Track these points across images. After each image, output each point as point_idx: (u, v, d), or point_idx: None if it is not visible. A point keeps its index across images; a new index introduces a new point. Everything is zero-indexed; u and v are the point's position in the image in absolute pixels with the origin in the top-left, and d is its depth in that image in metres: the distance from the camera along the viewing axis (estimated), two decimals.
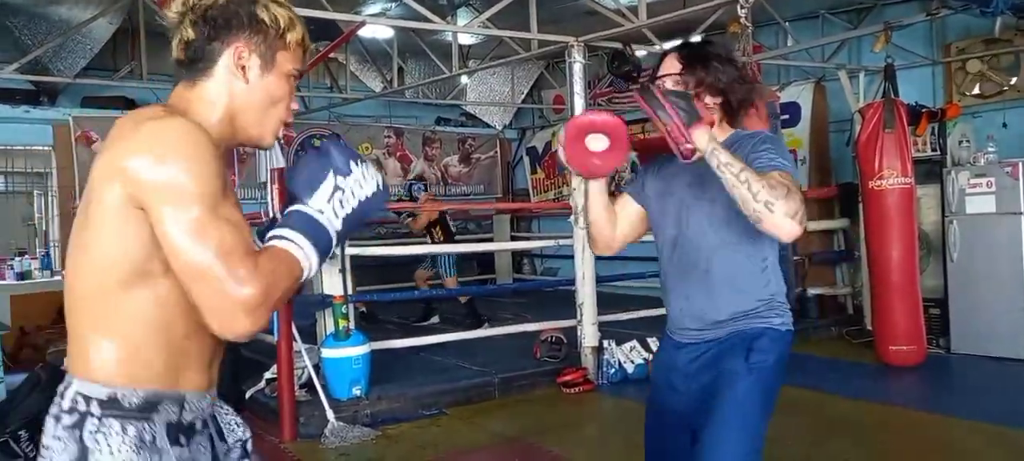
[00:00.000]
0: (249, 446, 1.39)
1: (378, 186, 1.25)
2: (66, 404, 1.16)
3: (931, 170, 6.21)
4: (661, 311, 7.36)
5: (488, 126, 11.27)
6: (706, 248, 1.90)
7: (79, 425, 1.14)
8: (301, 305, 4.82)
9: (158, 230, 1.10)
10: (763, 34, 7.94)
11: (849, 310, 7.19)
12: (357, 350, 4.61)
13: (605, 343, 5.44)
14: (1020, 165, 5.53)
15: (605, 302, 5.83)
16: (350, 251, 5.06)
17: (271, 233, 1.17)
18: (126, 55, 8.58)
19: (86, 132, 8.38)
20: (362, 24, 6.70)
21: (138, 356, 1.16)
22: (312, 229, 1.17)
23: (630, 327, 6.10)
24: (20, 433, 3.99)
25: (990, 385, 5.17)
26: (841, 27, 7.83)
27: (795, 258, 6.60)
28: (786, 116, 7.43)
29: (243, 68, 1.24)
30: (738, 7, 4.95)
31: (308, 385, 4.61)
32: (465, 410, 4.82)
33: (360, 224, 1.24)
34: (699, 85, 1.85)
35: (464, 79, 10.27)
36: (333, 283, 4.90)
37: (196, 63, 1.24)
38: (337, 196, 1.20)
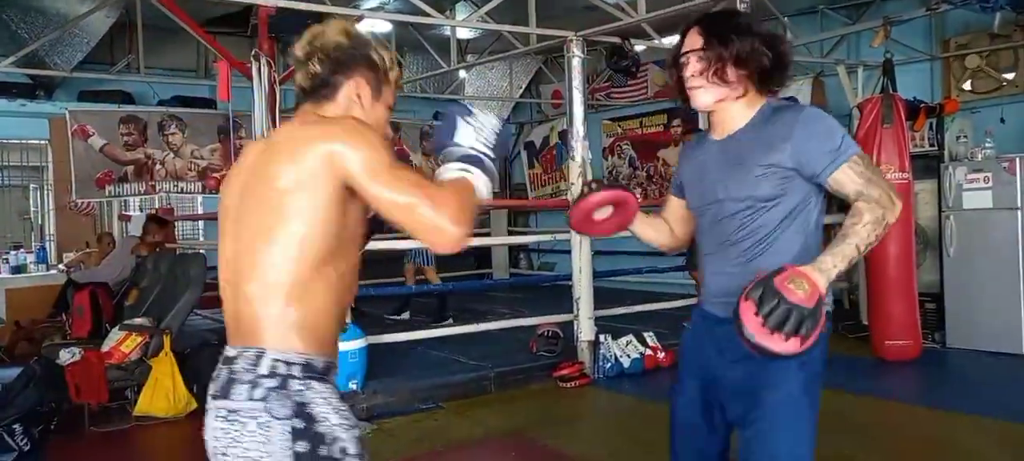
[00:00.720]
0: None
1: (498, 118, 1.52)
2: (264, 370, 1.34)
3: (928, 165, 6.21)
4: (657, 306, 7.37)
5: None
6: (740, 222, 1.84)
7: (284, 386, 1.33)
8: None
9: (370, 194, 1.34)
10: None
11: (845, 305, 7.20)
12: (353, 344, 4.60)
13: (601, 337, 5.44)
14: (1017, 161, 5.53)
15: (601, 297, 5.83)
16: None
17: (443, 169, 1.43)
18: (123, 49, 8.56)
19: (82, 126, 8.35)
20: (360, 18, 6.68)
21: (320, 329, 1.39)
22: (475, 161, 1.44)
23: (626, 321, 6.10)
24: (15, 426, 3.99)
25: (985, 379, 5.18)
26: (840, 22, 7.82)
27: None
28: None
29: (359, 97, 1.52)
30: (737, 2, 4.94)
31: None
32: (461, 404, 4.82)
33: (501, 151, 1.50)
34: (721, 59, 1.79)
35: (462, 73, 10.26)
36: None
37: (320, 90, 1.51)
38: (478, 135, 1.46)
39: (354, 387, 4.60)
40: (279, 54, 6.00)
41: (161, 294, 5.30)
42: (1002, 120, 6.69)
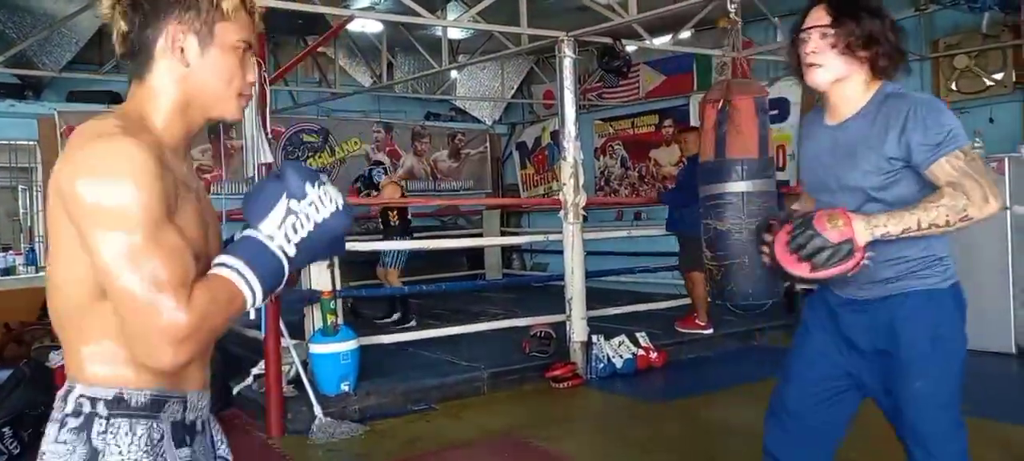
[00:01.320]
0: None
1: (338, 207, 1.16)
2: (70, 407, 1.11)
3: None
4: (649, 306, 7.35)
5: (478, 121, 11.25)
6: (852, 204, 1.83)
7: (86, 427, 1.10)
8: (289, 301, 4.80)
9: (92, 253, 1.04)
10: (752, 30, 7.96)
11: None
12: (345, 345, 4.59)
13: (594, 338, 5.44)
14: (1006, 160, 5.57)
15: (594, 297, 5.83)
16: None
17: (215, 260, 1.11)
18: (112, 49, 8.47)
19: (71, 126, 8.28)
20: (351, 18, 6.66)
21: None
22: (259, 256, 1.11)
23: (619, 322, 6.11)
24: (4, 429, 3.96)
25: (976, 379, 5.18)
26: None
27: None
28: (775, 111, 7.45)
29: (181, 50, 1.16)
30: (728, 2, 4.94)
31: (296, 381, 4.59)
32: (454, 405, 4.81)
33: (319, 248, 1.16)
34: (850, 36, 1.78)
35: (454, 74, 10.24)
36: (321, 278, 4.87)
37: (137, 56, 1.17)
38: (289, 220, 1.12)
39: (346, 389, 4.59)
40: (269, 55, 5.95)
41: None
42: (991, 120, 6.73)
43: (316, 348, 4.60)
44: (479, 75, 10.67)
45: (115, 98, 8.67)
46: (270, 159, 4.24)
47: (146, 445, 1.11)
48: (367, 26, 8.64)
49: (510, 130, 11.62)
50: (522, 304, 7.97)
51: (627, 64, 6.75)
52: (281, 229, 1.12)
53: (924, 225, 1.67)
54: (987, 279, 5.61)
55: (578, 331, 5.44)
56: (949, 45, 7.22)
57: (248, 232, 1.13)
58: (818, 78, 1.83)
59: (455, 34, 8.81)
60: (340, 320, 4.76)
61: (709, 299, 5.91)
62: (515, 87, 10.85)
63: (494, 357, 5.44)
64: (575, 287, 5.47)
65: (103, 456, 1.08)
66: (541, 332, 5.59)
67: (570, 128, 5.46)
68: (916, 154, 1.73)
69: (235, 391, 4.82)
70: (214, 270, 1.10)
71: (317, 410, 4.34)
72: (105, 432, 1.09)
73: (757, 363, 5.81)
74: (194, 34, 1.16)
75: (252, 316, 1.17)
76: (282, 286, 1.16)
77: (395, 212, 7.05)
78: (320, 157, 10.00)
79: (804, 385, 2.01)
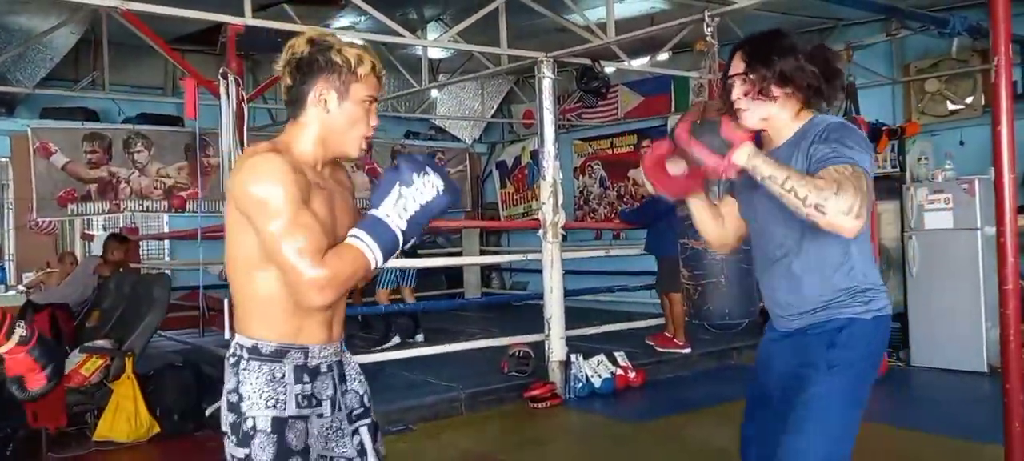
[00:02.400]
0: (367, 399, 1.82)
1: (438, 191, 1.56)
2: (232, 350, 1.66)
3: (891, 187, 6.34)
4: (628, 324, 7.36)
5: (458, 140, 11.26)
6: (783, 238, 1.91)
7: (236, 364, 1.63)
8: None
9: (259, 234, 1.54)
10: (729, 53, 8.06)
11: None
12: None
13: (573, 357, 5.43)
14: (977, 182, 5.67)
15: (573, 316, 5.83)
16: None
17: (349, 234, 1.56)
18: (88, 65, 8.42)
19: (44, 143, 8.19)
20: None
21: (272, 319, 1.62)
22: (376, 228, 1.54)
23: (597, 341, 6.11)
24: None
25: (949, 398, 5.27)
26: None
27: None
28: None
29: (324, 102, 1.63)
30: (704, 26, 5.02)
31: None
32: (432, 426, 4.77)
33: (424, 221, 1.57)
34: (763, 81, 1.86)
35: (434, 93, 10.26)
36: None
37: (294, 104, 1.65)
38: (400, 202, 1.55)
39: None
40: (247, 72, 5.93)
41: (123, 315, 5.17)
42: (961, 142, 6.86)
43: None
44: (459, 94, 10.70)
45: (90, 115, 8.58)
46: None
47: (268, 378, 1.61)
48: None
49: (490, 149, 11.65)
50: (501, 323, 7.95)
51: (606, 85, 6.82)
52: (395, 208, 1.55)
53: (786, 186, 1.68)
54: (959, 299, 5.69)
55: (557, 351, 5.43)
56: (920, 69, 7.37)
57: (371, 212, 1.56)
58: (747, 122, 1.91)
59: (435, 54, 8.84)
60: None
61: (686, 318, 5.94)
62: (495, 107, 10.89)
63: (473, 377, 5.41)
64: (554, 306, 5.47)
65: (242, 384, 1.62)
66: (520, 352, 5.58)
67: (549, 148, 5.49)
68: (814, 159, 1.78)
69: (208, 412, 4.73)
70: (346, 240, 1.55)
71: None
72: (245, 368, 1.62)
73: (734, 382, 5.82)
74: (335, 90, 1.63)
75: (377, 265, 1.56)
76: (399, 251, 1.59)
77: None
78: None
79: (748, 425, 2.08)
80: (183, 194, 8.90)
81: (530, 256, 6.24)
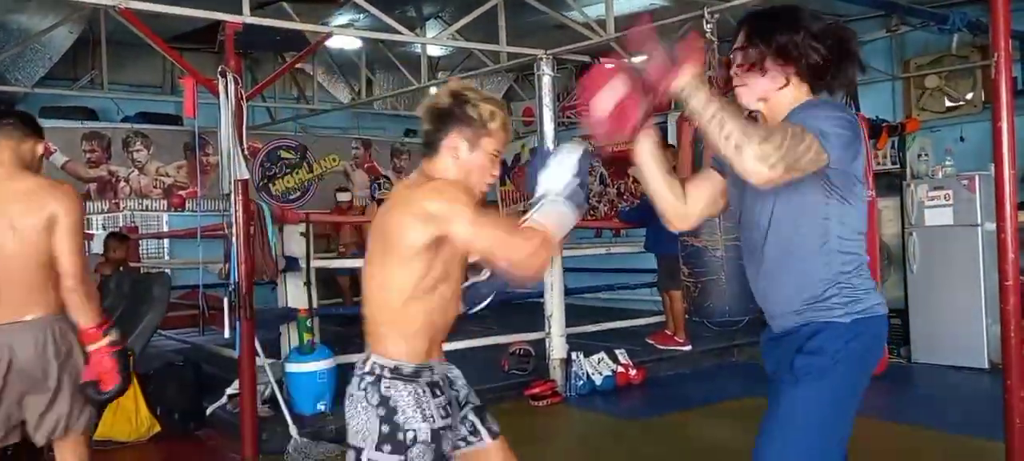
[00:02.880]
0: (465, 388, 2.09)
1: (576, 162, 1.80)
2: (367, 368, 1.83)
3: (891, 183, 6.33)
4: (629, 322, 7.34)
5: None
6: (762, 227, 1.79)
7: (377, 382, 1.81)
8: (265, 319, 4.74)
9: (457, 239, 1.75)
10: (729, 49, 8.05)
11: None
12: (322, 364, 4.53)
13: (573, 355, 5.43)
14: (977, 178, 5.66)
15: (573, 314, 5.82)
16: (315, 263, 4.99)
17: (522, 219, 1.77)
18: (86, 64, 8.41)
19: (45, 143, 8.17)
20: (329, 35, 6.64)
21: (411, 343, 1.83)
22: (543, 207, 1.77)
23: (598, 339, 6.10)
24: None
25: (950, 394, 5.27)
26: None
27: None
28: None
29: (456, 149, 1.84)
30: (704, 23, 5.01)
31: (271, 400, 4.52)
32: None
33: (580, 185, 1.80)
34: (762, 55, 1.76)
35: (433, 91, 10.25)
36: (297, 296, 4.82)
37: (430, 146, 1.87)
38: (550, 174, 1.79)
39: (323, 408, 4.53)
40: (246, 70, 5.90)
41: (123, 314, 5.16)
42: (961, 138, 6.86)
43: (292, 367, 4.55)
44: None
45: (89, 114, 8.58)
46: (246, 175, 4.20)
47: (415, 395, 1.81)
48: (346, 43, 8.63)
49: None
50: (501, 321, 7.93)
51: None
52: (550, 181, 1.79)
53: (713, 118, 1.57)
54: (960, 295, 5.68)
55: (557, 348, 5.42)
56: (920, 66, 7.37)
57: (537, 193, 1.79)
58: (743, 98, 1.82)
59: (434, 51, 8.83)
60: (317, 338, 4.70)
61: (686, 316, 5.93)
62: None
63: (472, 375, 5.30)
64: (554, 304, 5.47)
65: (392, 399, 1.79)
66: (520, 350, 5.57)
67: (549, 145, 5.47)
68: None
69: (208, 411, 4.74)
70: (525, 224, 1.75)
71: (293, 430, 4.27)
72: (389, 386, 1.80)
73: (735, 379, 5.83)
74: (466, 141, 1.85)
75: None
76: (575, 220, 1.80)
77: None
78: (298, 173, 9.94)
79: None
80: (182, 193, 8.90)
81: None
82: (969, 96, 7.07)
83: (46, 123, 8.59)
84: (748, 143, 1.54)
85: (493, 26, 6.09)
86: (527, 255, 1.70)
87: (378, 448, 1.78)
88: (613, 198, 9.91)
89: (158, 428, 4.55)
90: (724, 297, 3.74)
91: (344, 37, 8.11)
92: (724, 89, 1.88)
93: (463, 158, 1.84)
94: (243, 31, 4.29)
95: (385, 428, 1.79)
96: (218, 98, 4.13)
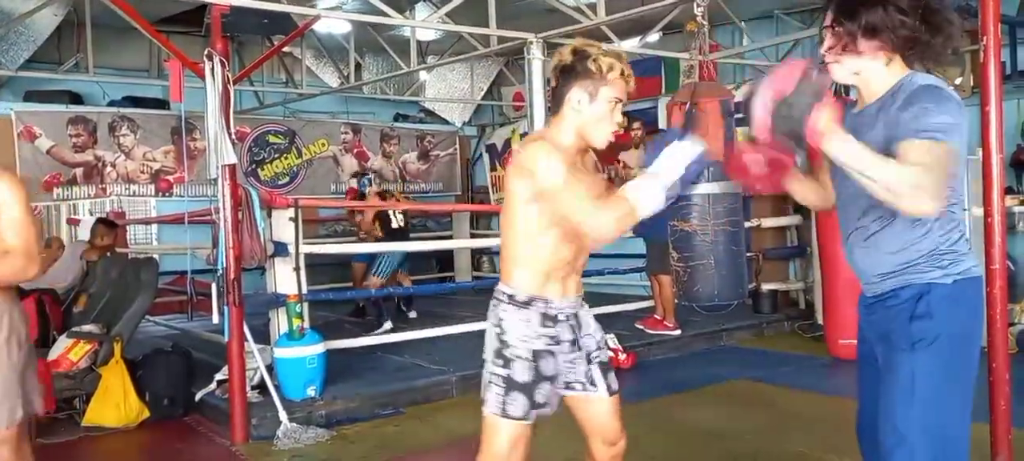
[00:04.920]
0: (602, 343, 2.28)
1: (689, 159, 1.90)
2: (495, 294, 2.15)
3: None
4: (618, 307, 7.35)
5: (447, 123, 11.21)
6: (860, 198, 1.81)
7: (497, 305, 2.14)
8: (254, 304, 4.72)
9: (551, 200, 1.95)
10: (719, 33, 8.05)
11: (801, 305, 7.34)
12: (311, 350, 4.53)
13: None
14: (965, 163, 5.67)
15: None
16: (305, 248, 4.97)
17: (631, 186, 1.92)
18: (71, 47, 8.32)
19: (29, 127, 8.11)
20: (317, 18, 6.59)
21: (526, 276, 2.10)
22: (641, 183, 1.91)
23: None
24: None
25: None
26: (795, 27, 7.97)
27: (748, 255, 6.69)
28: (741, 115, 7.54)
29: (578, 101, 2.02)
30: (694, 6, 4.98)
31: (261, 386, 4.52)
32: (423, 409, 4.78)
33: (693, 176, 1.94)
34: (850, 33, 1.78)
35: (423, 75, 10.20)
36: (287, 281, 4.80)
37: (556, 101, 2.06)
38: (670, 162, 1.90)
39: (313, 394, 4.53)
40: (234, 54, 5.84)
41: (111, 300, 5.14)
42: None
43: (281, 352, 4.54)
44: (448, 77, 10.64)
45: (74, 98, 8.49)
46: (234, 160, 4.17)
47: (521, 319, 2.09)
48: (334, 26, 8.56)
49: (479, 132, 11.60)
50: None
51: None
52: (665, 168, 1.90)
53: (866, 169, 1.64)
54: None
55: None
56: None
57: (649, 169, 1.92)
58: (836, 76, 1.85)
59: (424, 35, 8.77)
60: (307, 324, 4.69)
61: (676, 300, 5.96)
62: (485, 89, 10.84)
63: (464, 360, 5.41)
64: None
65: (503, 320, 2.11)
66: None
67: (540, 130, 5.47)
68: (900, 128, 1.70)
69: (198, 397, 4.72)
70: (630, 190, 1.91)
71: (282, 415, 4.27)
72: (505, 310, 2.12)
73: (724, 363, 5.86)
74: (587, 93, 2.01)
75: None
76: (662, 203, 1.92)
77: (377, 225, 6.98)
78: (287, 158, 9.88)
79: (863, 409, 2.02)
80: (170, 178, 8.84)
81: None
82: (958, 81, 7.09)
83: (31, 107, 8.55)
84: (902, 186, 1.61)
85: (483, 9, 6.05)
86: (601, 223, 1.88)
87: (493, 360, 2.12)
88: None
89: (147, 414, 4.54)
90: (713, 282, 3.75)
91: (332, 20, 8.04)
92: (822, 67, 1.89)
93: (584, 110, 2.01)
94: (230, 13, 4.25)
95: (497, 344, 2.11)
96: (205, 82, 4.09)
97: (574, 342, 2.18)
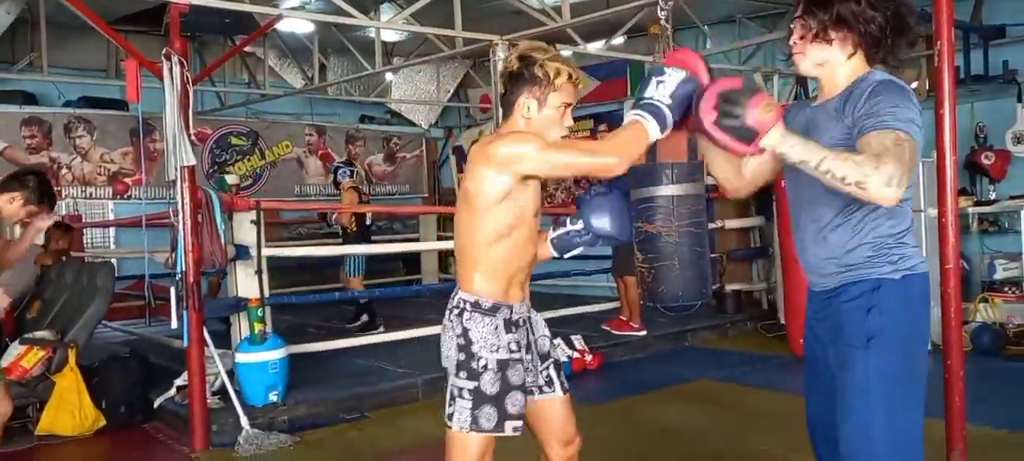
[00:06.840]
0: (550, 344, 2.29)
1: (686, 77, 1.82)
2: (455, 303, 2.07)
3: None
4: (584, 309, 7.38)
5: (413, 125, 11.15)
6: (810, 190, 1.83)
7: (461, 314, 2.05)
8: (214, 309, 4.64)
9: (540, 169, 1.96)
10: (683, 36, 8.12)
11: (764, 305, 7.44)
12: (274, 354, 4.45)
13: None
14: (921, 165, 5.81)
15: (530, 301, 5.82)
16: (267, 251, 4.90)
17: (627, 115, 1.87)
18: (25, 47, 8.09)
19: None
20: (279, 17, 6.50)
21: (490, 282, 2.05)
22: (648, 107, 1.83)
23: (555, 325, 6.07)
24: None
25: None
26: (756, 31, 8.09)
27: (713, 256, 6.77)
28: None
29: (527, 108, 2.03)
30: (658, 9, 5.03)
31: (221, 392, 4.43)
32: (388, 413, 4.73)
33: (687, 98, 1.81)
34: (820, 23, 1.79)
35: (389, 76, 10.13)
36: (248, 285, 4.72)
37: (506, 108, 2.07)
38: (660, 88, 1.82)
39: (275, 399, 4.45)
40: (194, 54, 5.72)
41: (66, 305, 5.01)
42: None
43: (243, 357, 4.46)
44: (415, 78, 10.58)
45: (28, 98, 8.25)
46: (193, 162, 4.08)
47: (489, 327, 2.03)
48: (298, 26, 8.46)
49: (446, 134, 11.56)
50: None
51: None
52: (656, 91, 1.83)
53: (822, 168, 1.64)
54: None
55: None
56: None
57: (640, 100, 1.86)
58: (800, 66, 1.87)
59: (389, 36, 8.71)
60: (268, 328, 4.62)
61: (641, 302, 5.99)
62: (451, 91, 10.80)
63: (430, 364, 5.35)
64: None
65: (469, 330, 2.02)
66: None
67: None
68: (859, 121, 1.72)
69: (156, 404, 4.62)
70: (628, 118, 1.86)
71: (244, 421, 4.20)
72: (470, 319, 2.04)
73: (688, 363, 5.92)
74: (536, 99, 2.02)
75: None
76: (668, 129, 1.85)
77: (353, 220, 6.86)
78: (249, 160, 9.72)
79: (812, 409, 2.03)
80: (128, 180, 8.63)
81: None
82: (913, 85, 7.26)
83: None
84: (867, 177, 1.60)
85: (449, 11, 6.03)
86: (614, 149, 1.85)
87: (457, 373, 2.03)
88: (570, 185, 9.94)
89: (103, 421, 4.43)
90: (678, 283, 3.76)
91: (295, 20, 7.94)
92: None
93: (533, 116, 2.01)
94: (189, 13, 4.17)
95: (462, 355, 2.02)
96: (163, 82, 4.00)
97: (529, 346, 2.15)
